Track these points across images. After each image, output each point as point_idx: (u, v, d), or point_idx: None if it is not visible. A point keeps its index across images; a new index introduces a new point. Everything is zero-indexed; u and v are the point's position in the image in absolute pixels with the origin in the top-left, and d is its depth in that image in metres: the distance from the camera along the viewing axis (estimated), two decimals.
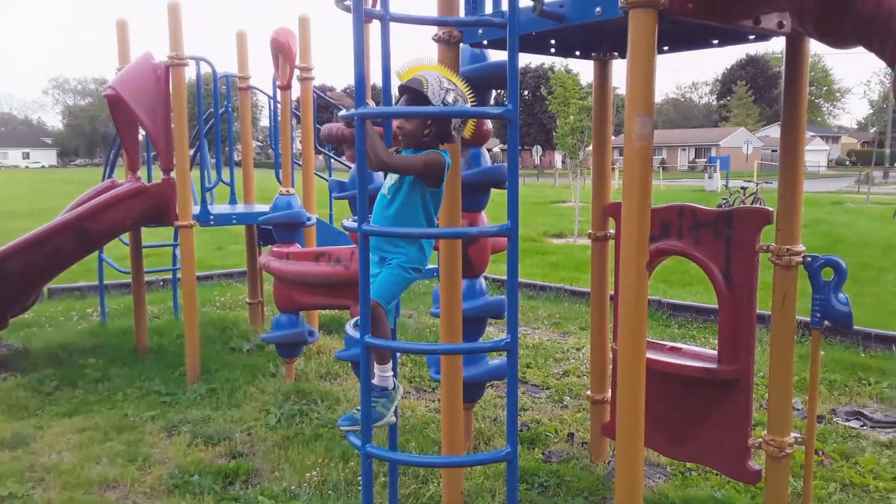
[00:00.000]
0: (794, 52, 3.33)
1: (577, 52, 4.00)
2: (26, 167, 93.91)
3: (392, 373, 2.98)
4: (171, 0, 5.79)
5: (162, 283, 10.29)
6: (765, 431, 3.56)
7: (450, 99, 2.72)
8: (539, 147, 49.71)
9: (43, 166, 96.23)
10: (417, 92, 2.71)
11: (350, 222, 2.88)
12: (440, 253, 3.61)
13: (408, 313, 8.65)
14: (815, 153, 64.76)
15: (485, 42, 3.60)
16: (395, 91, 2.97)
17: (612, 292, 3.50)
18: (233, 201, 7.62)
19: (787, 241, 3.39)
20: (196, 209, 6.40)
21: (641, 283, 2.83)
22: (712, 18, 2.80)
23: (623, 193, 2.81)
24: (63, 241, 6.08)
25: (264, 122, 50.16)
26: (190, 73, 6.34)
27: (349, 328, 3.12)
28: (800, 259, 3.37)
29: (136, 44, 6.85)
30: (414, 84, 2.72)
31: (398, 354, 3.12)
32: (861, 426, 5.15)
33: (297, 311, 5.85)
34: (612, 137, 4.47)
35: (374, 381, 2.89)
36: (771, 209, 3.47)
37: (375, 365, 2.90)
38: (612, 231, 4.30)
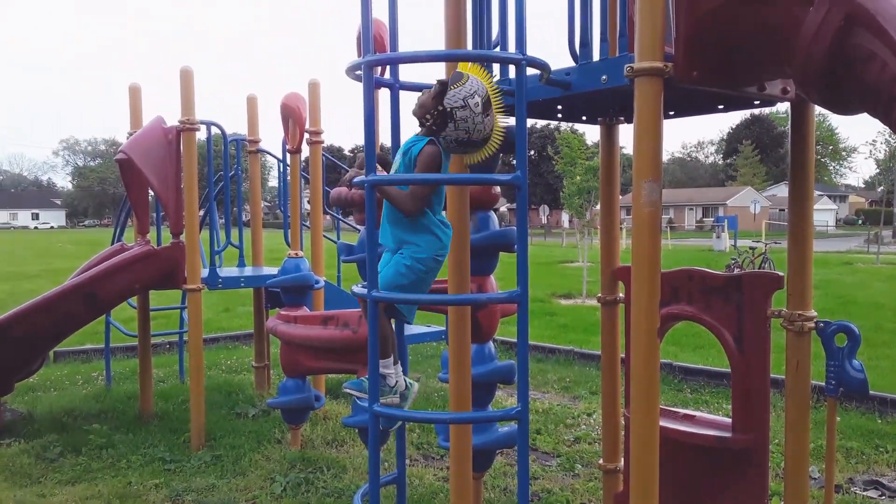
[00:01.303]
0: (800, 116, 3.34)
1: (584, 118, 4.04)
2: (35, 228, 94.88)
3: (394, 370, 2.98)
4: (183, 66, 5.91)
5: (168, 346, 10.25)
6: (782, 502, 3.46)
7: (458, 115, 2.65)
8: (546, 206, 50.00)
9: (52, 227, 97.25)
10: (445, 84, 2.67)
11: (360, 288, 2.87)
12: (449, 317, 3.58)
13: (416, 376, 8.56)
14: (823, 212, 64.90)
15: None
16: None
17: (623, 356, 3.45)
18: (241, 263, 7.64)
19: (799, 306, 3.34)
20: (205, 272, 6.40)
21: (652, 350, 2.78)
22: (717, 86, 2.82)
23: (633, 259, 2.79)
24: (71, 306, 6.08)
25: (273, 182, 50.79)
26: (200, 136, 6.44)
27: (347, 388, 3.09)
28: (812, 325, 3.32)
29: (148, 106, 6.98)
30: (453, 77, 2.66)
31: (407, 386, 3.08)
32: (880, 496, 5.01)
33: (303, 376, 5.79)
34: (620, 197, 4.48)
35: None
36: (781, 274, 3.43)
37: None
38: (621, 295, 4.26)
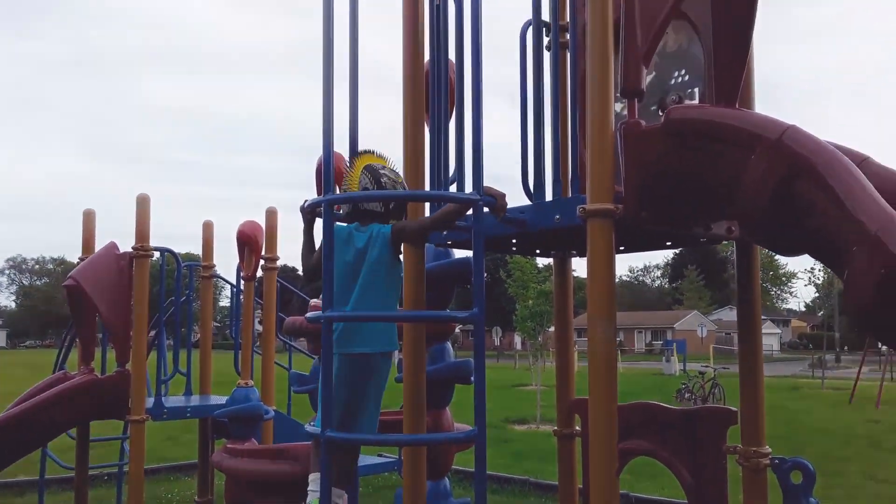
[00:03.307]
0: (745, 252, 3.47)
1: (538, 251, 4.13)
2: None
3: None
4: (140, 193, 5.93)
5: (106, 478, 9.72)
6: None
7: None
8: (499, 328, 50.06)
9: None
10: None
11: (312, 427, 2.80)
12: (404, 455, 3.49)
13: None
14: (768, 336, 66.16)
15: (448, 242, 3.70)
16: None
17: (581, 486, 3.39)
18: (188, 391, 7.40)
19: (753, 442, 3.35)
20: (150, 402, 6.18)
21: (612, 488, 2.75)
22: (665, 226, 2.93)
23: (590, 397, 2.79)
24: (6, 437, 5.77)
25: (224, 302, 50.11)
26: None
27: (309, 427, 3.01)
28: (767, 462, 3.32)
29: (100, 227, 6.93)
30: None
31: None
32: None
33: None
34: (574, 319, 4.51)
35: None
36: (735, 409, 3.46)
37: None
38: (577, 428, 4.23)
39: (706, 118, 2.54)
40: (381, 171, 3.13)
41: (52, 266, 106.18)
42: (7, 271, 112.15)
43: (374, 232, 3.04)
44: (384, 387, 3.16)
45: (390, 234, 3.02)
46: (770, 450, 3.36)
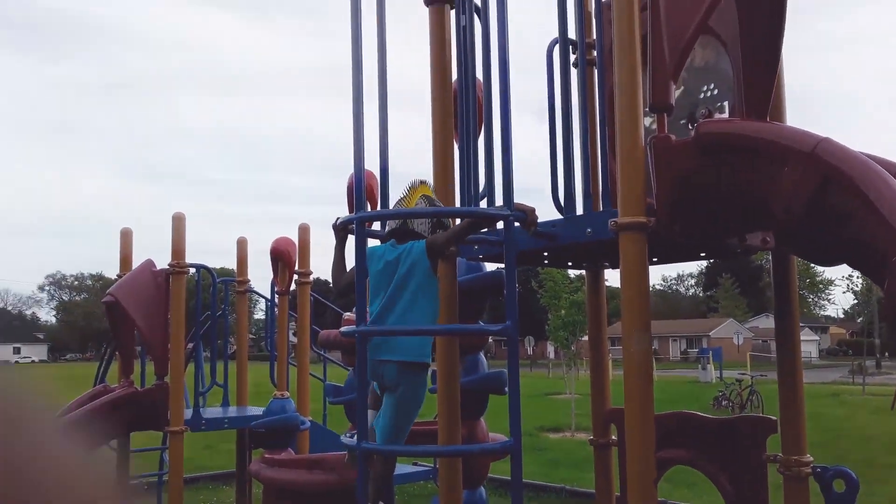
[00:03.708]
0: (781, 262, 3.45)
1: (570, 264, 4.14)
2: (16, 362, 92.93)
3: None
4: (176, 212, 6.05)
5: (146, 487, 9.87)
6: None
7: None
8: (531, 338, 49.85)
9: (33, 360, 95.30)
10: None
11: (348, 438, 2.85)
12: (439, 466, 3.52)
13: None
14: (806, 343, 65.04)
15: (480, 256, 3.73)
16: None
17: (618, 494, 3.38)
18: (225, 403, 7.51)
19: (794, 451, 3.33)
20: (188, 413, 6.29)
21: (650, 499, 2.75)
22: (698, 238, 2.93)
23: (626, 406, 2.80)
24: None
25: (259, 314, 50.56)
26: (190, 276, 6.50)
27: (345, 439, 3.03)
28: (809, 470, 3.30)
29: (137, 244, 7.09)
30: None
31: None
32: None
33: None
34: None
35: None
36: (774, 418, 3.44)
37: None
38: (614, 437, 4.22)
39: (737, 132, 2.55)
40: (436, 202, 3.19)
41: (90, 282, 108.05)
42: (47, 287, 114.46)
43: (407, 247, 3.08)
44: (413, 401, 3.10)
45: (426, 247, 3.05)
46: (812, 458, 3.33)
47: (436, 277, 3.08)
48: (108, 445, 7.51)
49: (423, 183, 3.22)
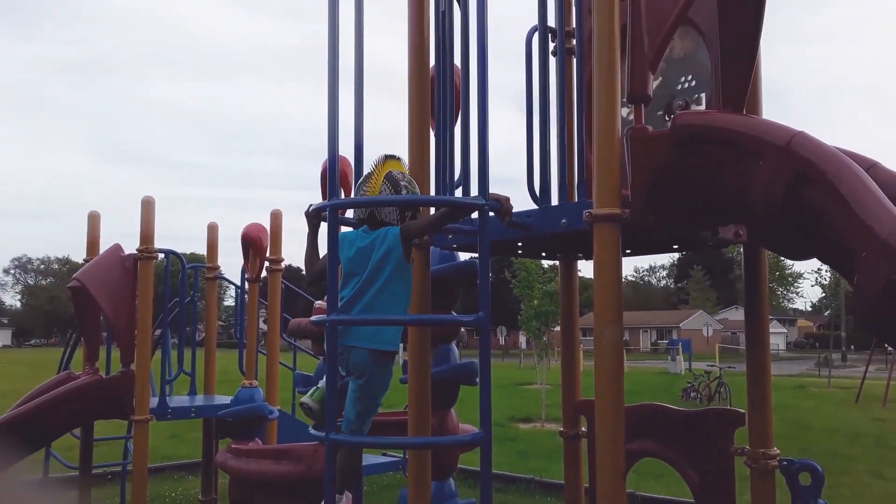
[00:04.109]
0: (753, 256, 3.45)
1: (543, 254, 4.12)
2: None
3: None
4: (145, 196, 5.94)
5: (110, 476, 9.73)
6: None
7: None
8: (504, 328, 50.07)
9: None
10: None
11: (316, 431, 2.80)
12: (409, 457, 3.49)
13: None
14: (774, 335, 65.95)
15: (454, 245, 3.69)
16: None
17: (587, 485, 3.38)
18: (192, 391, 7.41)
19: (761, 444, 3.34)
20: (154, 402, 6.20)
21: (619, 492, 2.74)
22: (673, 230, 2.92)
23: (596, 399, 2.78)
24: (10, 439, 5.79)
25: (228, 301, 50.10)
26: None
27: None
28: (776, 463, 3.31)
29: (105, 227, 6.95)
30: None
31: None
32: None
33: None
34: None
35: None
36: (742, 411, 3.45)
37: None
38: (584, 429, 4.22)
39: (713, 124, 2.54)
40: (402, 183, 3.09)
41: (56, 266, 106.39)
42: (12, 271, 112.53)
43: (381, 233, 3.02)
44: (379, 387, 3.07)
45: (400, 234, 3.00)
46: (779, 451, 3.35)
47: (410, 264, 3.04)
48: (72, 434, 7.40)
49: (389, 158, 3.15)
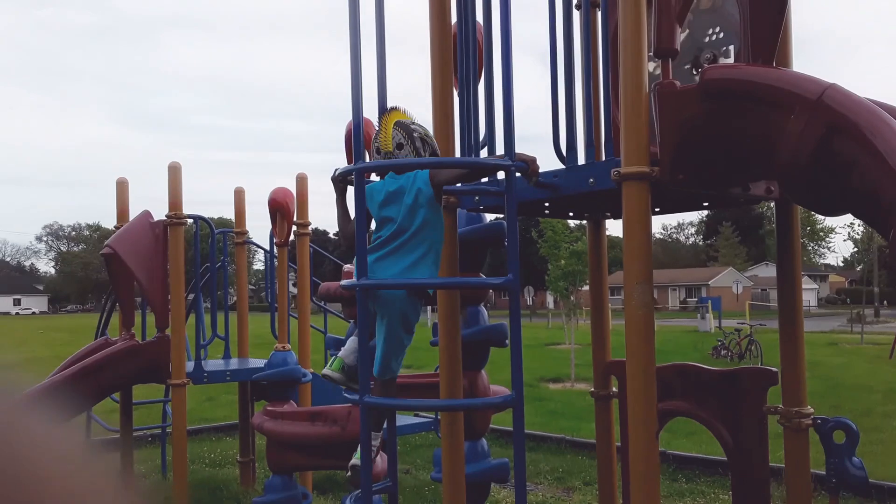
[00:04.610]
0: (784, 212, 3.40)
1: (571, 214, 4.09)
2: (17, 314, 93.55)
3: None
4: (172, 161, 5.98)
5: (150, 438, 9.98)
6: None
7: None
8: (531, 288, 50.05)
9: (33, 312, 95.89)
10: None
11: (350, 394, 2.84)
12: (441, 419, 3.53)
13: (405, 468, 8.36)
14: (805, 291, 65.13)
15: (481, 207, 3.67)
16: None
17: (619, 444, 3.39)
18: (227, 355, 7.54)
19: (795, 402, 3.32)
20: (190, 366, 6.31)
21: (652, 451, 2.75)
22: (703, 187, 2.88)
23: (627, 360, 2.78)
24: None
25: (258, 265, 50.61)
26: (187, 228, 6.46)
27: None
28: (809, 422, 3.30)
29: (134, 196, 7.03)
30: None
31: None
32: None
33: (290, 473, 5.65)
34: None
35: None
36: (775, 370, 3.43)
37: None
38: (614, 389, 4.23)
39: (743, 78, 2.48)
40: (413, 127, 3.07)
41: (87, 233, 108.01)
42: (45, 238, 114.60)
43: (409, 176, 2.98)
44: (406, 325, 3.05)
45: (429, 176, 2.97)
46: (812, 410, 3.33)
47: (440, 207, 3.03)
48: (112, 398, 7.58)
49: (392, 110, 3.13)
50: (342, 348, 3.17)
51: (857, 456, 3.27)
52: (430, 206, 2.93)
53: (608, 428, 4.26)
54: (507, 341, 3.93)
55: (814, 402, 3.37)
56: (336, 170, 3.08)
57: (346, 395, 2.85)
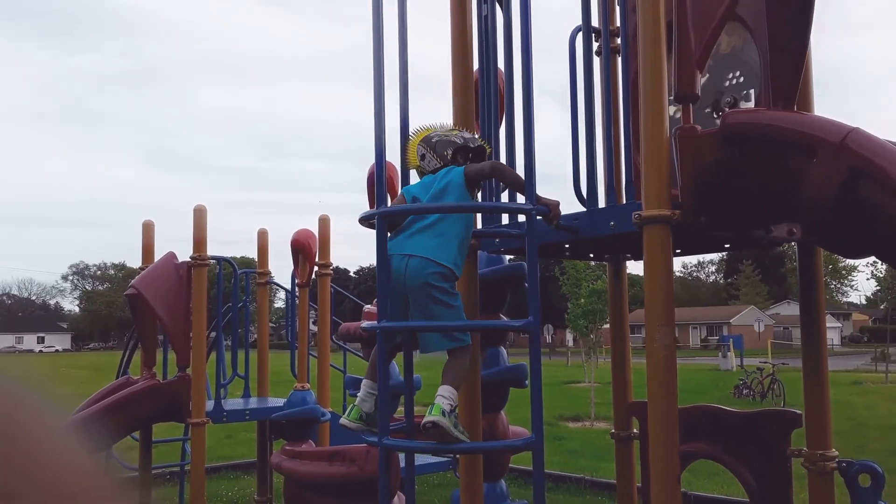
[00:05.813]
0: (807, 254, 3.39)
1: (591, 255, 4.10)
2: (40, 351, 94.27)
3: None
4: (197, 205, 6.07)
5: (168, 476, 9.97)
6: None
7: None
8: (550, 326, 49.76)
9: (57, 350, 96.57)
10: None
11: (370, 437, 2.83)
12: (460, 460, 3.51)
13: None
14: (829, 330, 64.05)
15: (501, 249, 3.70)
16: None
17: (640, 485, 3.35)
18: (246, 394, 7.55)
19: (819, 445, 3.27)
20: (210, 405, 6.33)
21: (674, 495, 2.72)
22: (724, 230, 2.89)
23: (649, 402, 2.76)
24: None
25: (279, 303, 50.75)
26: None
27: None
28: (834, 465, 3.25)
29: (160, 235, 7.13)
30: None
31: None
32: None
33: None
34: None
35: None
36: (799, 412, 3.39)
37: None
38: (635, 430, 4.19)
39: (764, 122, 2.50)
40: (432, 135, 3.13)
41: (112, 272, 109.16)
42: (70, 277, 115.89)
43: (444, 170, 3.02)
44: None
45: (464, 171, 3.00)
46: (837, 453, 3.28)
47: (472, 198, 3.06)
48: (131, 436, 7.59)
49: (420, 131, 3.19)
50: (357, 395, 3.13)
51: (884, 499, 3.21)
52: (461, 193, 2.95)
53: (629, 469, 4.21)
54: (527, 382, 3.92)
55: (838, 443, 3.33)
56: (362, 214, 3.11)
57: (364, 437, 2.85)
